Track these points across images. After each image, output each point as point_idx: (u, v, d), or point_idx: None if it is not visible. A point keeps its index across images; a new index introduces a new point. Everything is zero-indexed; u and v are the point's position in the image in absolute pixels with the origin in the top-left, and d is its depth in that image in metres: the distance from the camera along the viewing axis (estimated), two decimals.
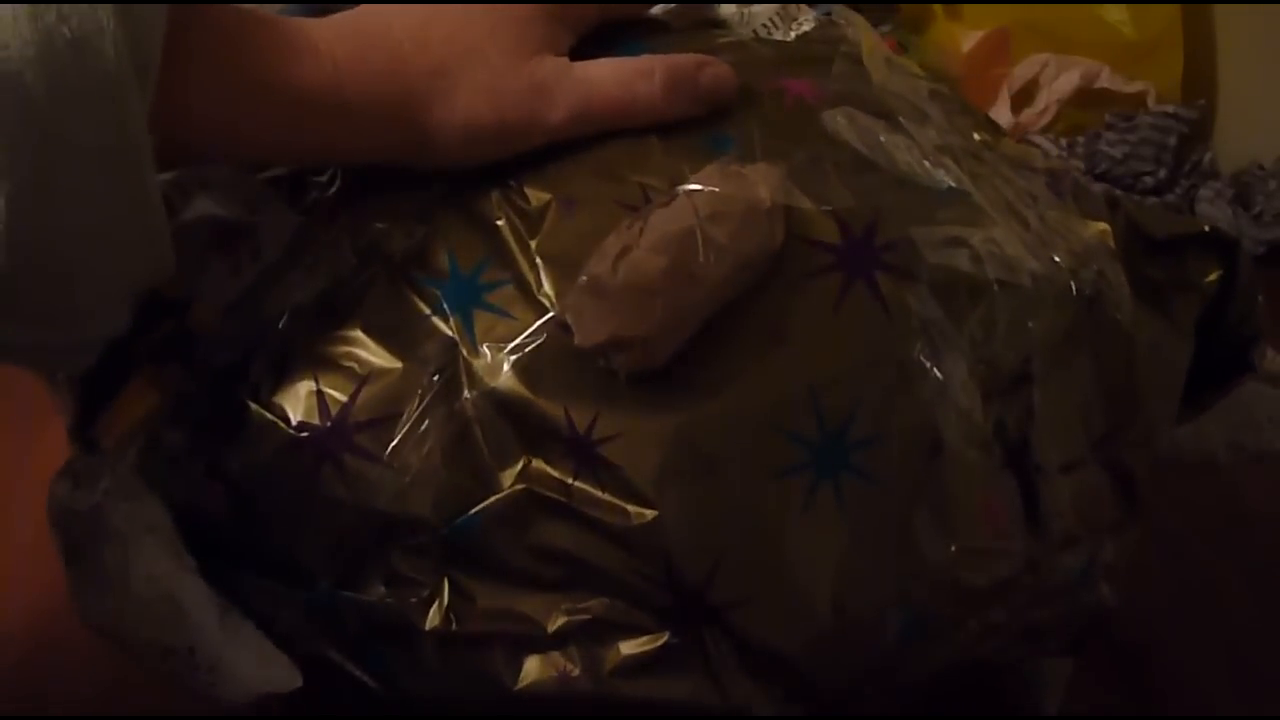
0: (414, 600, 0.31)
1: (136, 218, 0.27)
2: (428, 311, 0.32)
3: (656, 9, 0.40)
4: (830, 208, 0.32)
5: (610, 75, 0.34)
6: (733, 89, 0.34)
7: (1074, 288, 0.34)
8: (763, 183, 0.31)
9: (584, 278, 0.29)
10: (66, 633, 0.44)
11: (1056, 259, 0.34)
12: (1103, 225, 0.37)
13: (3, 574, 0.49)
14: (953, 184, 0.34)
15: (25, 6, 0.24)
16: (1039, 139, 0.74)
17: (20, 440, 0.56)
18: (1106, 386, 0.35)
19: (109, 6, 0.25)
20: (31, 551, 0.48)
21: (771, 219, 0.30)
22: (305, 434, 0.31)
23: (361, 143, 0.32)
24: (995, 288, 0.32)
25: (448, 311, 0.31)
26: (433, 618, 0.31)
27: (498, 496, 0.30)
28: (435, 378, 0.31)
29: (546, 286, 0.31)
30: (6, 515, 0.51)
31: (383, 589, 0.31)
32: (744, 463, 0.30)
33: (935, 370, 0.31)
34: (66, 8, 0.25)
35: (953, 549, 0.31)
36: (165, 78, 0.27)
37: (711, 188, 0.30)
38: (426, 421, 0.31)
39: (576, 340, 0.29)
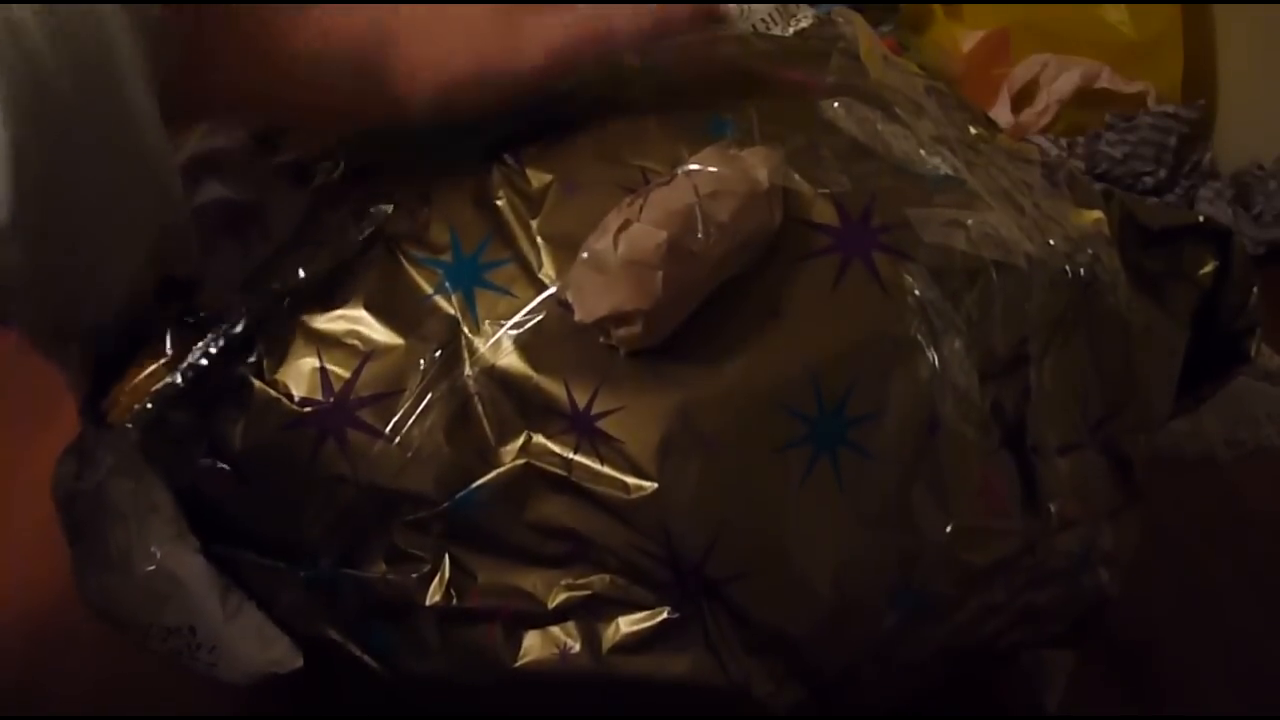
0: (415, 576, 0.31)
1: (143, 172, 0.28)
2: (430, 290, 0.32)
3: None
4: (827, 191, 0.32)
5: (585, 8, 0.34)
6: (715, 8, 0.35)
7: (1069, 271, 0.34)
8: (761, 165, 0.31)
9: (584, 253, 0.29)
10: (66, 632, 0.44)
11: (1052, 243, 0.34)
12: (1097, 214, 0.37)
13: (2, 574, 0.49)
14: (949, 172, 0.34)
15: None
16: (1039, 139, 0.74)
17: (18, 440, 0.55)
18: (1103, 370, 0.35)
19: None
20: (31, 551, 0.48)
21: (770, 199, 0.31)
22: (308, 410, 0.31)
23: (338, 93, 0.32)
24: (991, 269, 0.32)
25: (450, 290, 0.32)
26: (433, 594, 0.31)
27: (498, 472, 0.31)
28: (437, 354, 0.31)
29: (547, 266, 0.31)
30: (6, 515, 0.51)
31: (384, 566, 0.32)
32: (743, 437, 0.30)
33: (932, 349, 0.31)
34: None
35: (950, 527, 0.31)
36: (170, 35, 0.28)
37: (710, 168, 0.30)
38: (428, 398, 0.31)
39: (577, 315, 0.30)
